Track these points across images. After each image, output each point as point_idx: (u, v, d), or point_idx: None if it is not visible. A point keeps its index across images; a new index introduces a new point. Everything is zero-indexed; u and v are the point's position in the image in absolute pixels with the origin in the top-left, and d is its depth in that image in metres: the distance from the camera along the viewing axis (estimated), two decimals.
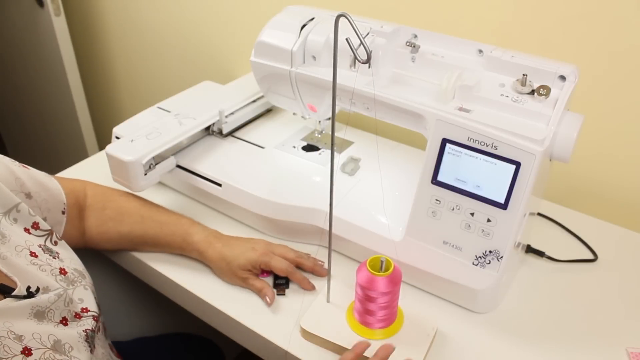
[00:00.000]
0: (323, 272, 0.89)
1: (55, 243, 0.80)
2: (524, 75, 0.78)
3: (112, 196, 0.95)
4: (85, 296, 0.77)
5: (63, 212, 0.87)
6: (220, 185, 0.98)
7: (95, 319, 0.77)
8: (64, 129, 1.97)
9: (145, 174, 0.94)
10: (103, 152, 0.99)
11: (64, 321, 0.72)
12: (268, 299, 0.84)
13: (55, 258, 0.77)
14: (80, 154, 1.92)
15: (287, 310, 0.84)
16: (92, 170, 1.13)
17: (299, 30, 0.90)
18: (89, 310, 0.76)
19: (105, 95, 2.03)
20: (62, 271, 0.76)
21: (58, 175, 1.02)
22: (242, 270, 0.86)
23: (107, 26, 1.81)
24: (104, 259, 1.01)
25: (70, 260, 0.80)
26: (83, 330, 0.73)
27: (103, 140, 1.96)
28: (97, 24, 1.84)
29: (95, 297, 0.80)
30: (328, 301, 0.84)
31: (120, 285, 1.12)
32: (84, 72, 1.90)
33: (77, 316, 0.74)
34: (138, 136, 0.97)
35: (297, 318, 0.82)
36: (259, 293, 0.86)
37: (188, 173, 1.01)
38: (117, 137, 1.08)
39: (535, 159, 0.72)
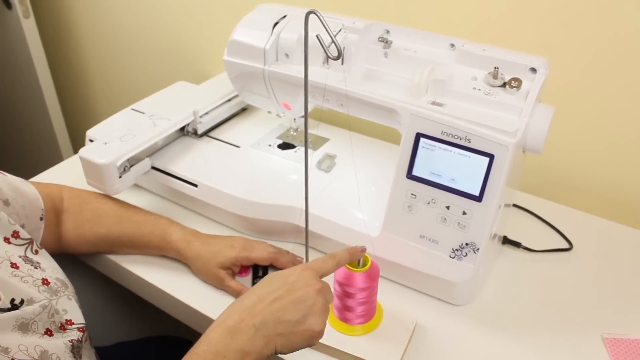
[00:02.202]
0: None
1: (36, 252, 0.78)
2: (495, 68, 0.79)
3: (89, 198, 0.94)
4: (69, 306, 0.75)
5: (41, 218, 0.86)
6: (196, 185, 0.97)
7: (81, 329, 0.75)
8: (37, 133, 1.94)
9: (120, 177, 0.93)
10: (78, 156, 0.98)
11: (49, 332, 0.70)
12: None
13: (36, 268, 0.75)
14: (55, 158, 1.90)
15: None
16: (67, 173, 1.12)
17: (272, 28, 0.90)
18: (74, 323, 0.75)
19: (78, 98, 2.01)
20: (45, 281, 0.74)
21: (33, 180, 1.00)
22: (221, 268, 0.86)
23: (79, 27, 1.79)
24: (82, 264, 1.00)
25: (52, 269, 0.78)
26: (69, 341, 0.71)
27: (78, 143, 1.94)
28: (68, 26, 1.81)
29: (79, 307, 0.78)
30: None
31: (99, 289, 1.11)
32: (56, 74, 1.88)
33: (62, 328, 0.72)
34: (112, 138, 0.96)
35: None
36: (236, 296, 0.85)
37: (164, 174, 1.00)
38: (91, 140, 1.07)
39: (509, 151, 0.73)
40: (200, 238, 0.89)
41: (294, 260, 0.89)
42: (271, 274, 0.69)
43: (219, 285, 0.87)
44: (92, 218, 0.91)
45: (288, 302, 0.64)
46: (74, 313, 0.76)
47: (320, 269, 0.69)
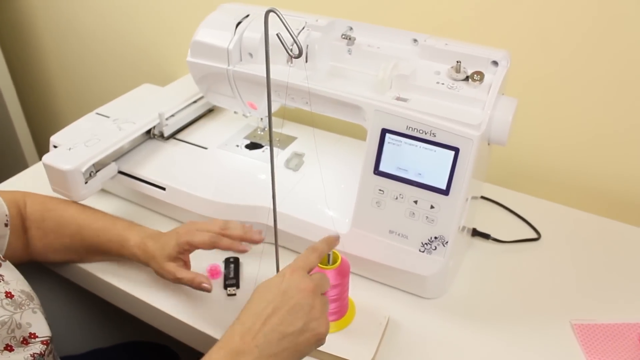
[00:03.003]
0: (257, 238, 0.81)
1: None
2: (457, 62, 0.79)
3: (51, 205, 0.91)
4: (33, 320, 0.73)
5: (6, 225, 0.84)
6: (164, 189, 0.96)
7: (45, 343, 0.73)
8: (0, 140, 1.90)
9: (86, 182, 0.92)
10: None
11: (9, 348, 0.68)
12: (205, 285, 0.79)
13: (0, 281, 0.74)
14: (19, 165, 1.86)
15: (239, 310, 0.83)
16: (32, 181, 1.09)
17: (234, 28, 0.89)
18: (38, 336, 0.73)
19: (42, 103, 1.97)
20: (8, 295, 0.72)
21: None
22: (169, 261, 0.81)
23: (39, 28, 1.75)
24: (48, 271, 0.98)
25: (17, 281, 0.76)
26: (30, 355, 0.70)
27: (43, 149, 1.90)
28: (27, 26, 1.77)
29: (45, 319, 0.76)
30: None
31: (67, 297, 1.09)
32: (17, 78, 1.83)
33: (24, 342, 0.70)
34: (76, 144, 0.94)
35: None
36: (192, 284, 0.80)
37: (131, 178, 0.99)
38: (55, 146, 1.05)
39: (473, 144, 0.73)
40: (154, 237, 0.84)
41: (246, 233, 0.81)
42: (260, 286, 0.66)
43: (173, 280, 0.81)
44: (55, 228, 0.89)
45: (285, 313, 0.62)
46: (39, 326, 0.74)
47: (307, 265, 0.67)
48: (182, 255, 0.82)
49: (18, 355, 0.68)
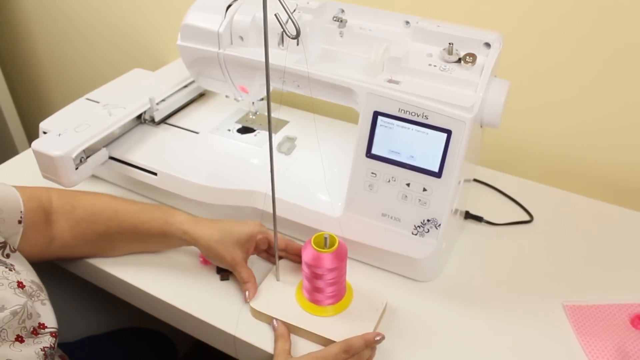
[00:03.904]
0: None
1: (8, 256, 0.74)
2: (450, 44, 0.79)
3: (80, 195, 0.89)
4: (43, 311, 0.72)
5: (20, 222, 0.81)
6: (155, 174, 0.95)
7: (54, 335, 0.72)
8: None
9: (77, 168, 0.91)
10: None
11: (20, 339, 0.67)
12: (248, 294, 0.80)
13: (11, 270, 0.72)
14: (9, 152, 1.84)
15: (233, 295, 0.84)
16: (23, 167, 1.09)
17: (225, 11, 0.88)
18: (47, 327, 0.72)
19: (31, 89, 1.95)
20: (20, 284, 0.71)
21: None
22: (237, 246, 0.82)
23: (27, 12, 1.73)
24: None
25: (27, 272, 0.75)
26: (41, 349, 0.68)
27: (33, 136, 1.88)
28: (15, 11, 1.75)
29: (53, 312, 0.75)
30: (278, 279, 0.84)
31: (61, 284, 1.08)
32: (6, 64, 1.81)
33: (34, 332, 0.69)
34: (66, 130, 0.93)
35: (243, 302, 0.82)
36: (243, 285, 0.82)
37: (122, 164, 0.98)
38: (45, 132, 1.04)
39: (466, 126, 0.73)
40: (207, 219, 0.84)
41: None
42: None
43: (230, 267, 0.82)
44: (87, 216, 0.86)
45: None
46: (48, 317, 0.73)
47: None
48: (249, 245, 0.83)
49: (29, 349, 0.67)
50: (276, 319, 0.78)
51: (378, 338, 0.73)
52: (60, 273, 0.96)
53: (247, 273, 0.82)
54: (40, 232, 0.84)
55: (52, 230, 0.86)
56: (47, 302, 0.75)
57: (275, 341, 0.76)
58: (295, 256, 0.86)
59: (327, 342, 0.75)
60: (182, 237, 0.83)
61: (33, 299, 0.72)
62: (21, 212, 0.81)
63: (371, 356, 0.74)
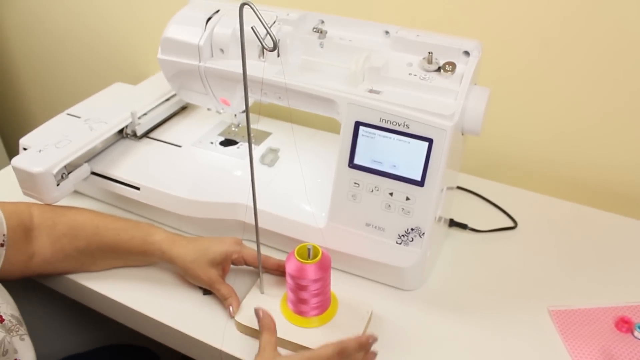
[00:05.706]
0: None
1: None
2: (429, 53, 0.79)
3: (61, 211, 0.88)
4: (20, 347, 0.71)
5: (2, 244, 0.79)
6: (138, 188, 0.95)
7: None
8: None
9: (58, 185, 0.90)
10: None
11: None
12: (232, 309, 0.80)
13: None
14: None
15: (219, 309, 0.83)
16: (3, 185, 1.07)
17: (205, 24, 0.88)
18: None
19: (10, 104, 1.93)
20: None
21: None
22: (212, 266, 0.81)
23: (7, 28, 1.71)
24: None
25: (7, 305, 0.73)
26: None
27: (12, 152, 1.87)
28: None
29: (32, 348, 0.73)
30: (262, 292, 0.83)
31: (41, 301, 1.07)
32: None
33: None
34: (47, 145, 0.92)
35: (228, 316, 0.81)
36: (224, 301, 0.81)
37: (104, 179, 0.98)
38: (25, 149, 1.03)
39: (447, 134, 0.74)
40: (185, 238, 0.85)
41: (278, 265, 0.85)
42: None
43: (208, 286, 0.83)
44: (68, 231, 0.85)
45: None
46: (25, 354, 0.71)
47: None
48: (225, 263, 0.83)
49: None
50: (262, 309, 0.76)
51: (371, 340, 0.72)
52: (39, 290, 0.95)
53: (226, 289, 0.81)
54: (20, 250, 0.83)
55: (32, 247, 0.84)
56: (27, 338, 0.73)
57: (261, 332, 0.74)
58: (275, 271, 0.86)
59: None
60: (161, 257, 0.84)
61: (12, 333, 0.70)
62: (4, 235, 0.80)
63: (371, 357, 0.74)
